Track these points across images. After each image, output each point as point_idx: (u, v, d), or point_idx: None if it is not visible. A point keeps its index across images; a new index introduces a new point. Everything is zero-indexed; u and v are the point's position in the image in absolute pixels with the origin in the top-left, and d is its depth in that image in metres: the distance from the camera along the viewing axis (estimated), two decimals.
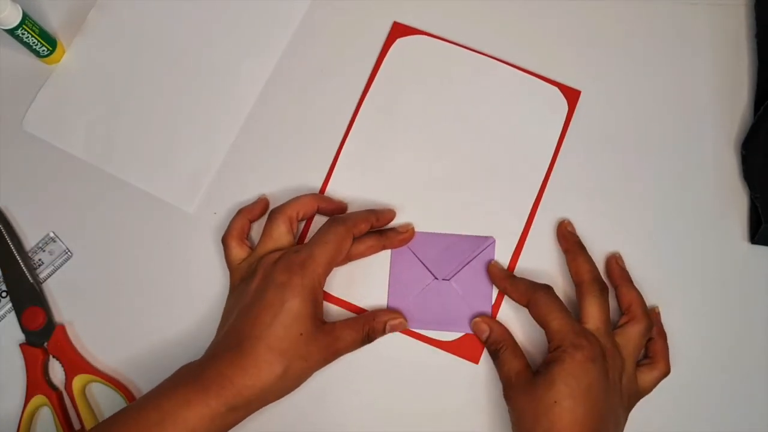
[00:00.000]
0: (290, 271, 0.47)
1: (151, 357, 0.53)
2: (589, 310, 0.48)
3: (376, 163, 0.55)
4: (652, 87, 0.57)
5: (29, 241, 0.55)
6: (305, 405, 0.51)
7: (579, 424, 0.44)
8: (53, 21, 0.58)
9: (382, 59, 0.57)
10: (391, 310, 0.52)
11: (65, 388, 0.52)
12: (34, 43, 0.54)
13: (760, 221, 0.53)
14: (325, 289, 0.52)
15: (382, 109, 0.56)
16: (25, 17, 0.52)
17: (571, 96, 0.56)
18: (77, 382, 0.52)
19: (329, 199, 0.54)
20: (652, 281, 0.53)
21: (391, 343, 0.52)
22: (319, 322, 0.47)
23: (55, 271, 0.54)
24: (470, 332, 0.52)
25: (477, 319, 0.51)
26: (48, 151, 0.56)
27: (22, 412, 0.51)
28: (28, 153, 0.56)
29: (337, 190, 0.55)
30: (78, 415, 0.51)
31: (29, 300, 0.53)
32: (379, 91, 0.56)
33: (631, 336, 0.49)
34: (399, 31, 0.57)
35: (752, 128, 0.55)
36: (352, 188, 0.55)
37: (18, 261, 0.54)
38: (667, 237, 0.54)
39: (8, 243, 0.54)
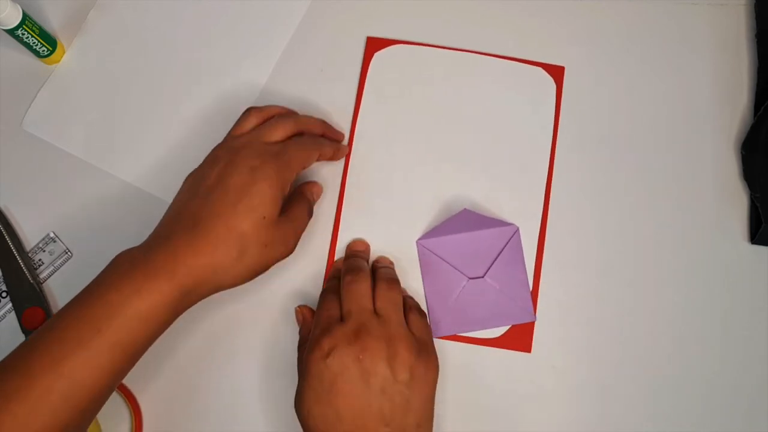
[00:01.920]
0: (262, 157, 0.46)
1: (151, 357, 0.53)
2: None
3: (380, 179, 0.55)
4: (652, 87, 0.57)
5: (29, 241, 0.55)
6: None
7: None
8: (53, 21, 0.58)
9: (365, 77, 0.57)
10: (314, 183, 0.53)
11: None
12: (34, 43, 0.54)
13: (760, 221, 0.53)
14: None
15: (375, 128, 0.56)
16: (25, 17, 0.52)
17: (557, 73, 0.57)
18: None
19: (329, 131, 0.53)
20: (652, 281, 0.54)
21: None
22: (280, 212, 0.46)
23: (55, 271, 0.54)
24: (517, 323, 0.52)
25: (297, 308, 0.51)
26: (48, 150, 0.56)
27: None
28: (28, 153, 0.56)
29: (349, 207, 0.55)
30: None
31: (29, 300, 0.53)
32: (369, 109, 0.56)
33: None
34: (374, 45, 0.57)
35: (752, 128, 0.55)
36: (359, 209, 0.55)
37: (18, 261, 0.54)
38: (667, 237, 0.55)
39: (8, 243, 0.54)
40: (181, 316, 0.52)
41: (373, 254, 0.54)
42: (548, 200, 0.55)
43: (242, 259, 0.44)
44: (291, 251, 0.48)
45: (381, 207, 0.55)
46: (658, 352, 0.53)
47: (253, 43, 0.58)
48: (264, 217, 0.44)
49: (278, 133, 0.49)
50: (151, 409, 0.52)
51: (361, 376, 0.43)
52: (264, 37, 0.58)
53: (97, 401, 0.42)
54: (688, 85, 0.57)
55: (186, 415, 0.52)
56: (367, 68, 0.57)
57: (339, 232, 0.54)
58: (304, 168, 0.49)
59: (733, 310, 0.53)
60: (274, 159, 0.46)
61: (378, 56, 0.57)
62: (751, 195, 0.54)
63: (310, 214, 0.50)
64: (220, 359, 0.53)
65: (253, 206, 0.44)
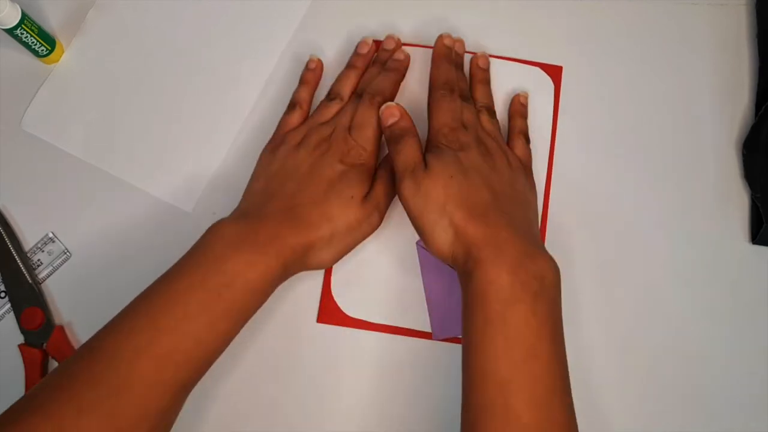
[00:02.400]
0: (348, 143, 0.50)
1: None
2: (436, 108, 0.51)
3: None
4: (652, 87, 0.57)
5: (28, 241, 0.55)
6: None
7: (469, 195, 0.46)
8: (52, 21, 0.58)
9: None
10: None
11: None
12: (33, 42, 0.54)
13: (760, 221, 0.53)
14: (369, 319, 0.52)
15: None
16: (24, 17, 0.52)
17: (555, 73, 0.57)
18: None
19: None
20: (652, 281, 0.53)
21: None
22: (366, 202, 0.50)
23: (54, 271, 0.54)
24: None
25: (388, 103, 0.51)
26: (47, 151, 0.56)
27: None
28: (27, 153, 0.56)
29: None
30: None
31: (28, 300, 0.53)
32: None
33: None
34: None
35: (753, 128, 0.55)
36: None
37: (17, 261, 0.53)
38: (668, 237, 0.54)
39: (7, 243, 0.54)
40: None
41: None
42: (547, 200, 0.55)
43: (332, 242, 0.48)
44: (375, 228, 0.51)
45: None
46: (658, 353, 0.53)
47: (253, 43, 0.58)
48: (352, 197, 0.48)
49: (351, 116, 0.52)
50: None
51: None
52: (264, 37, 0.58)
53: (210, 362, 0.45)
54: (688, 85, 0.57)
55: (186, 415, 0.52)
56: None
57: None
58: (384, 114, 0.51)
59: (733, 311, 0.53)
60: (356, 146, 0.50)
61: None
62: (751, 195, 0.54)
63: (392, 189, 0.52)
64: (220, 359, 0.53)
65: (342, 193, 0.48)
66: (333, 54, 0.58)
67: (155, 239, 0.54)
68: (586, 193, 0.55)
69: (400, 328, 0.52)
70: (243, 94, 0.57)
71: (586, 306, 0.53)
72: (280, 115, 0.56)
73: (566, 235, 0.54)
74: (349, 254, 0.51)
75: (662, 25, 0.58)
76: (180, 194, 0.55)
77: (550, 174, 0.55)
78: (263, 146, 0.55)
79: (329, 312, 0.52)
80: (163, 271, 0.54)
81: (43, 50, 0.55)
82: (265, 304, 0.50)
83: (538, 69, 0.57)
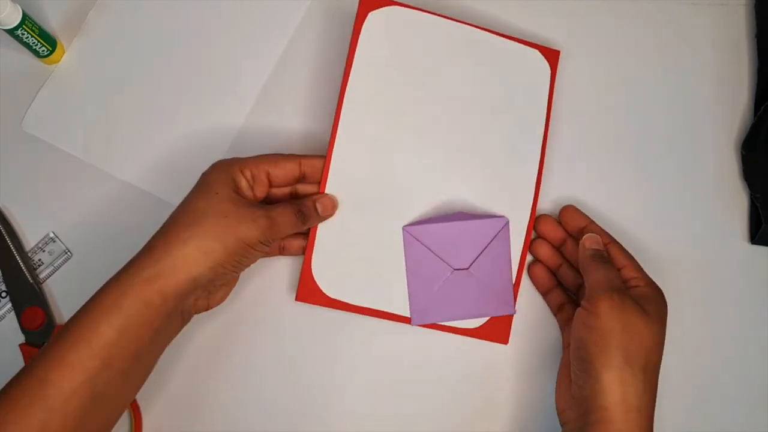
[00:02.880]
0: (214, 167, 0.48)
1: None
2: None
3: (368, 156, 0.53)
4: (651, 87, 0.57)
5: (29, 241, 0.55)
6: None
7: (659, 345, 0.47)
8: (53, 21, 0.58)
9: (357, 39, 0.52)
10: (322, 194, 0.51)
11: None
12: (34, 43, 0.54)
13: (760, 221, 0.53)
14: (349, 300, 0.52)
15: (364, 100, 0.53)
16: (25, 17, 0.52)
17: (552, 57, 0.55)
18: None
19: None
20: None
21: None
22: (242, 203, 0.46)
23: (55, 271, 0.54)
24: (496, 315, 0.53)
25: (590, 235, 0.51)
26: (48, 151, 0.56)
27: None
28: (28, 153, 0.56)
29: (334, 189, 0.53)
30: None
31: (29, 300, 0.53)
32: (359, 79, 0.53)
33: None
34: (369, 4, 0.53)
35: (752, 128, 0.55)
36: (349, 184, 0.52)
37: (18, 261, 0.53)
38: (667, 237, 0.54)
39: (8, 243, 0.54)
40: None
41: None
42: (538, 192, 0.54)
43: (200, 225, 0.44)
44: (265, 232, 0.46)
45: (366, 190, 0.53)
46: None
47: (253, 43, 0.58)
48: (216, 193, 0.46)
49: None
50: (151, 410, 0.52)
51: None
52: (264, 37, 0.58)
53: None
54: (688, 85, 0.57)
55: (186, 415, 0.52)
56: (360, 30, 0.53)
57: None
58: (272, 237, 0.47)
59: (733, 311, 0.53)
60: (224, 164, 0.48)
61: (372, 17, 0.53)
62: (751, 195, 0.54)
63: (296, 213, 0.48)
64: (220, 360, 0.53)
65: (202, 189, 0.47)
66: (333, 54, 0.58)
67: None
68: (586, 193, 0.55)
69: (380, 311, 0.52)
70: (243, 94, 0.57)
71: None
72: (281, 115, 0.56)
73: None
74: (332, 234, 0.51)
75: (662, 24, 0.58)
76: (181, 194, 0.55)
77: (542, 165, 0.54)
78: (264, 146, 0.55)
79: (308, 291, 0.52)
80: None
81: (43, 51, 0.55)
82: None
83: (536, 51, 0.55)
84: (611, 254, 0.51)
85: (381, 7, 0.53)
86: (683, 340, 0.53)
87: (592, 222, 0.53)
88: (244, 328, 0.53)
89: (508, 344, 0.53)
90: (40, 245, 0.55)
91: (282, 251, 0.52)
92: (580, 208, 0.54)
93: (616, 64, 0.57)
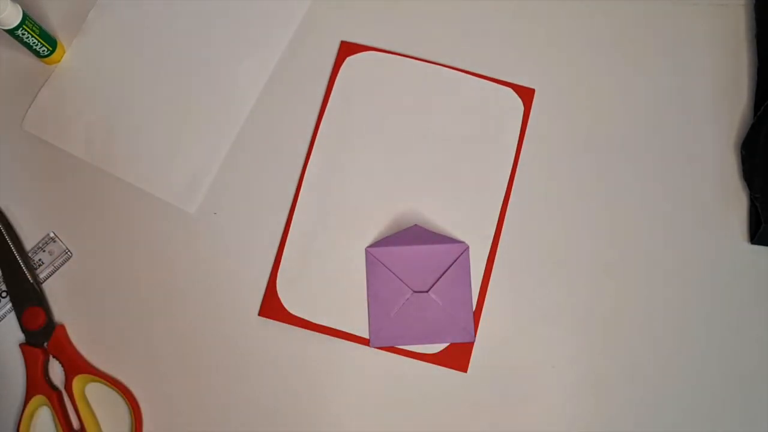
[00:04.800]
0: None
1: (151, 357, 0.53)
2: None
3: (339, 183, 0.55)
4: (652, 87, 0.57)
5: (29, 241, 0.55)
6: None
7: None
8: (53, 21, 0.58)
9: (334, 79, 0.56)
10: None
11: (65, 389, 0.52)
12: (34, 43, 0.54)
13: (760, 221, 0.53)
14: (310, 318, 0.53)
15: (337, 128, 0.56)
16: (25, 17, 0.52)
17: (526, 95, 0.56)
18: (77, 382, 0.52)
19: None
20: (651, 281, 0.54)
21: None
22: None
23: (55, 271, 0.54)
24: (456, 342, 0.52)
25: None
26: (48, 151, 0.56)
27: (22, 412, 0.51)
28: (28, 153, 0.56)
29: (304, 208, 0.54)
30: (78, 415, 0.51)
31: (29, 300, 0.53)
32: (334, 112, 0.56)
33: None
34: (347, 49, 0.57)
35: (752, 128, 0.55)
36: (317, 204, 0.55)
37: (18, 261, 0.54)
38: (667, 237, 0.55)
39: (8, 243, 0.54)
40: (180, 318, 0.53)
41: (325, 259, 0.54)
42: (502, 222, 0.55)
43: None
44: None
45: (334, 211, 0.54)
46: (658, 352, 0.53)
47: (253, 43, 0.58)
48: None
49: None
50: (151, 409, 0.52)
51: None
52: (264, 37, 0.58)
53: None
54: (688, 86, 0.57)
55: (186, 414, 0.52)
56: (338, 72, 0.57)
57: (290, 232, 0.54)
58: None
59: (732, 311, 0.53)
60: None
61: (349, 61, 0.57)
62: (750, 195, 0.54)
63: None
64: (220, 359, 0.53)
65: None
66: (332, 54, 0.58)
67: (156, 239, 0.55)
68: (585, 194, 0.55)
69: (339, 330, 0.53)
70: (243, 94, 0.57)
71: (585, 305, 0.53)
72: (281, 115, 0.56)
73: (566, 235, 0.54)
74: (297, 253, 0.52)
75: (662, 25, 0.58)
76: (181, 195, 0.55)
77: (508, 196, 0.55)
78: (264, 146, 0.55)
79: (271, 307, 0.53)
80: (163, 270, 0.54)
81: (44, 51, 0.55)
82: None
83: (510, 90, 0.56)
84: None
85: (359, 52, 0.57)
86: (683, 339, 0.53)
87: None
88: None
89: (467, 372, 0.53)
90: (40, 245, 0.55)
91: None
92: (578, 207, 0.54)
93: (616, 63, 0.57)
